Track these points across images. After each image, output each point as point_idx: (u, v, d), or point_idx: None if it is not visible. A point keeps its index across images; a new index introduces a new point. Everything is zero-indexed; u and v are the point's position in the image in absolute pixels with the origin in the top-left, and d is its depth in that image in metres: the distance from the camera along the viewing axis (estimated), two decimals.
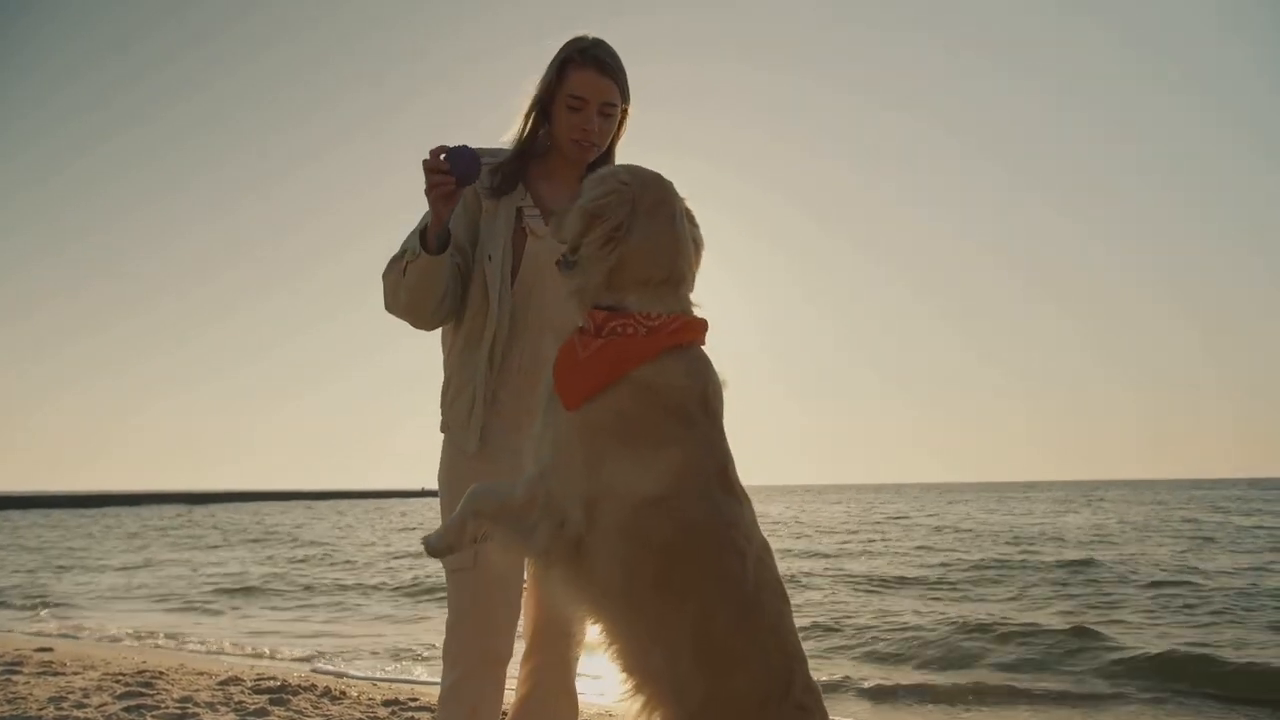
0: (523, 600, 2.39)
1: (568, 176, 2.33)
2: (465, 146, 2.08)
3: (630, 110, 2.33)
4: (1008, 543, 19.02)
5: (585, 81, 2.21)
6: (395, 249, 2.25)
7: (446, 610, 2.36)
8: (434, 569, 14.49)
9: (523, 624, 2.42)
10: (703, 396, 1.77)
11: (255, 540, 25.76)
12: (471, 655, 2.30)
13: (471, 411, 2.27)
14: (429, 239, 2.14)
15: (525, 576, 2.37)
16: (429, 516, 39.08)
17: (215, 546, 23.61)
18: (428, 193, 2.09)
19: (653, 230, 1.81)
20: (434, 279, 2.16)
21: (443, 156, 2.06)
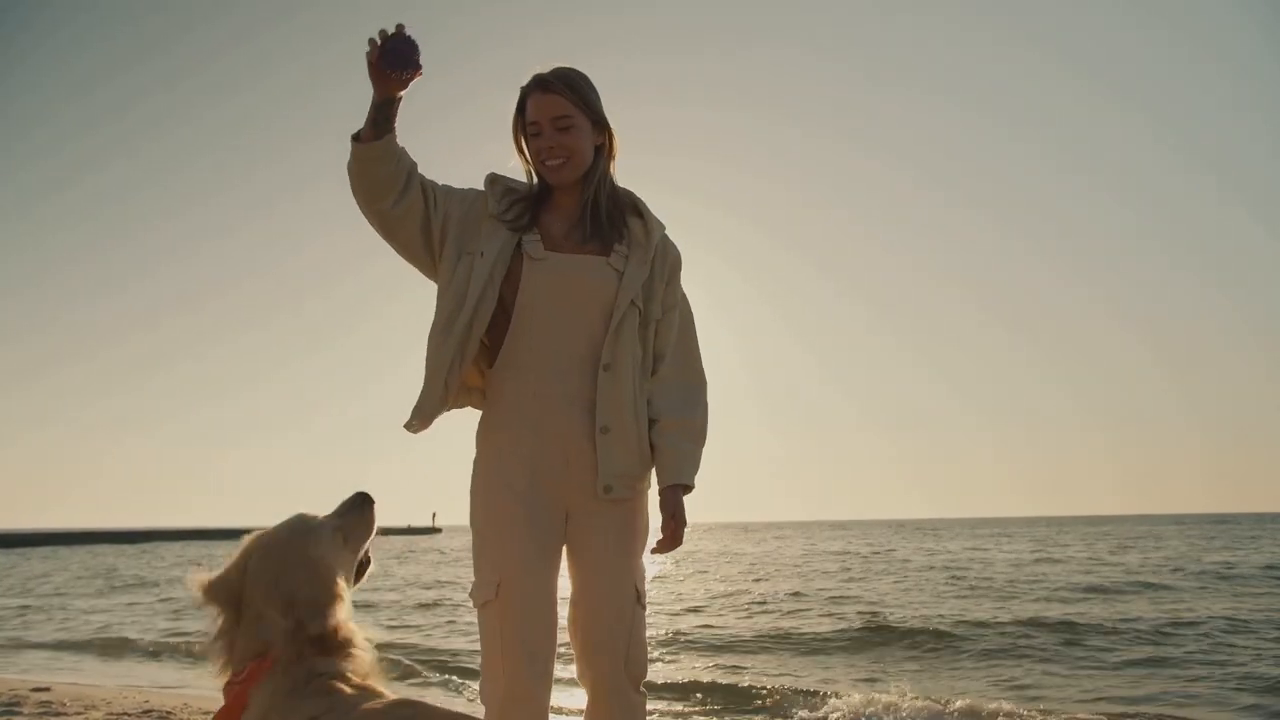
0: (571, 621, 2.25)
1: (564, 202, 2.32)
2: (404, 34, 2.04)
3: (609, 128, 2.31)
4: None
5: (533, 105, 2.23)
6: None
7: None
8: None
9: (571, 648, 2.26)
10: None
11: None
12: (499, 693, 2.12)
13: (434, 389, 2.22)
14: (364, 126, 2.14)
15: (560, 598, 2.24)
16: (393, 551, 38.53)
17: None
18: (371, 74, 2.09)
19: None
20: (374, 163, 2.14)
21: (379, 39, 2.04)
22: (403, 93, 2.11)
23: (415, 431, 2.26)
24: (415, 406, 2.24)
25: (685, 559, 27.93)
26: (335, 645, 1.86)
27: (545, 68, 2.26)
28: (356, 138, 2.15)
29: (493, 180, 2.35)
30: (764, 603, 14.65)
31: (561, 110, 2.22)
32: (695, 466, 2.29)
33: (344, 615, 1.90)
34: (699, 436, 2.32)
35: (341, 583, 1.94)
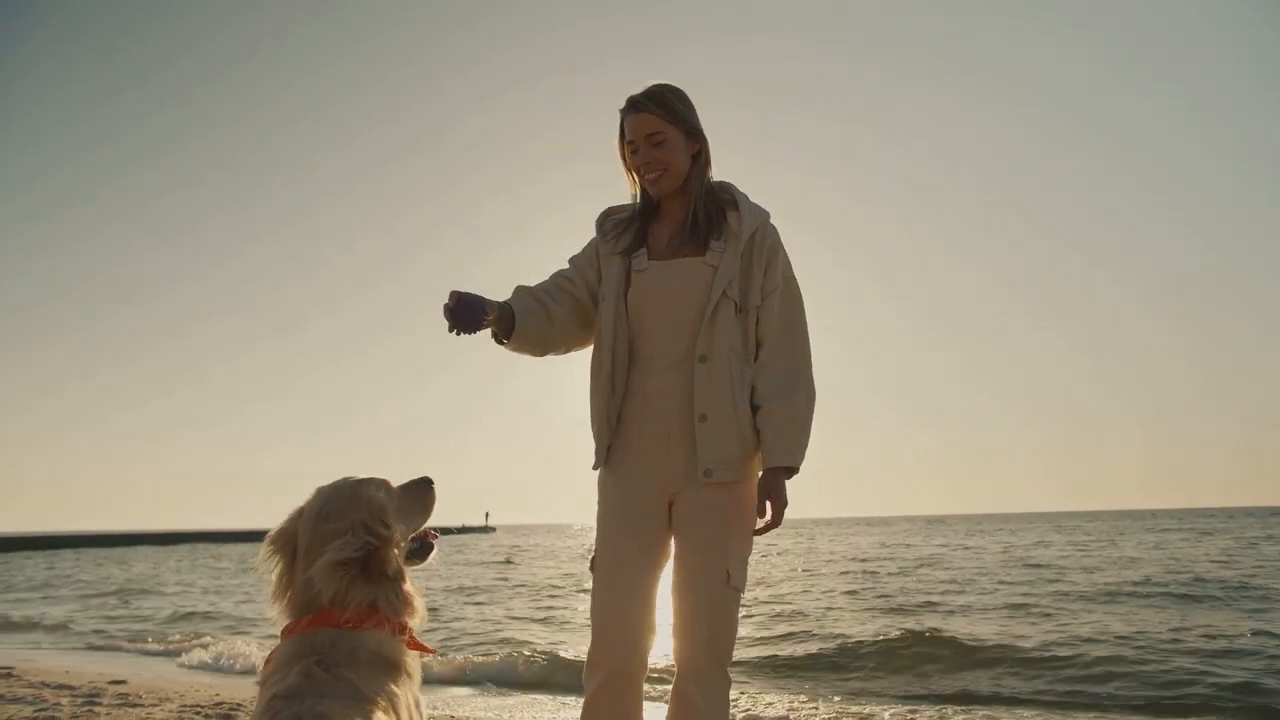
0: (674, 591, 2.32)
1: (671, 210, 2.47)
2: (464, 298, 2.19)
3: (704, 136, 2.42)
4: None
5: (628, 126, 2.39)
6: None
7: None
8: None
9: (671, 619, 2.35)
10: None
11: None
12: (596, 664, 2.31)
13: (600, 431, 2.43)
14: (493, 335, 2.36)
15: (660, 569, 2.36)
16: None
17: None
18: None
19: None
20: (522, 348, 2.39)
21: (446, 307, 2.20)
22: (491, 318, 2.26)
23: (598, 469, 2.46)
24: (595, 450, 2.46)
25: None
26: (384, 575, 1.80)
27: (639, 88, 2.40)
28: (499, 340, 2.37)
29: (602, 219, 2.54)
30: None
31: (653, 127, 2.36)
32: (796, 449, 2.34)
33: (395, 552, 1.84)
34: (800, 419, 2.37)
35: (394, 523, 1.87)
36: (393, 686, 1.69)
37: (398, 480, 2.00)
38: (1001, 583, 15.72)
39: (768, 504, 2.30)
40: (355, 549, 1.76)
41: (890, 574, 18.86)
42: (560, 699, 6.90)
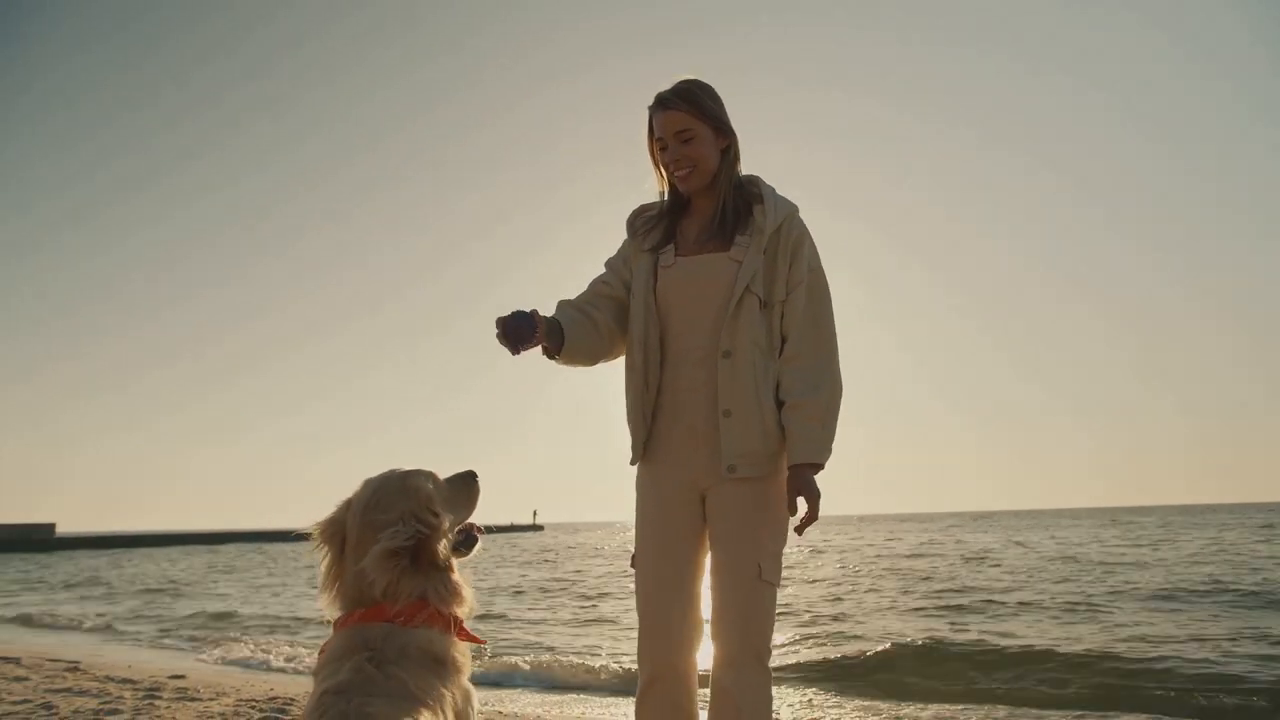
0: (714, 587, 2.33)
1: (701, 206, 2.46)
2: (517, 312, 2.20)
3: (732, 131, 2.40)
4: None
5: (657, 123, 2.37)
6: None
7: None
8: None
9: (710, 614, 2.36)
10: None
11: None
12: (643, 661, 2.34)
13: (636, 427, 2.43)
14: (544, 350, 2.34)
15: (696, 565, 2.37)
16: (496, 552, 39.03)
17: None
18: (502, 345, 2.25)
19: None
20: (573, 360, 2.38)
21: (498, 328, 2.19)
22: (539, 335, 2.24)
23: (635, 464, 2.46)
24: (631, 446, 2.45)
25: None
26: (434, 565, 1.80)
27: (668, 84, 2.37)
28: (550, 355, 2.34)
29: (633, 218, 2.54)
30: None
31: (681, 124, 2.34)
32: (821, 445, 2.30)
33: (445, 541, 1.84)
34: (825, 415, 2.32)
35: (443, 512, 1.87)
36: (441, 687, 1.68)
37: (443, 474, 2.00)
38: (1062, 580, 15.42)
39: (800, 500, 2.27)
40: (406, 537, 1.76)
41: (943, 571, 18.61)
42: (608, 699, 6.89)
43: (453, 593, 1.82)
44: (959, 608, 11.71)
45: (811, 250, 2.39)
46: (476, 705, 1.80)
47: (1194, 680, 6.70)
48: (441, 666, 1.72)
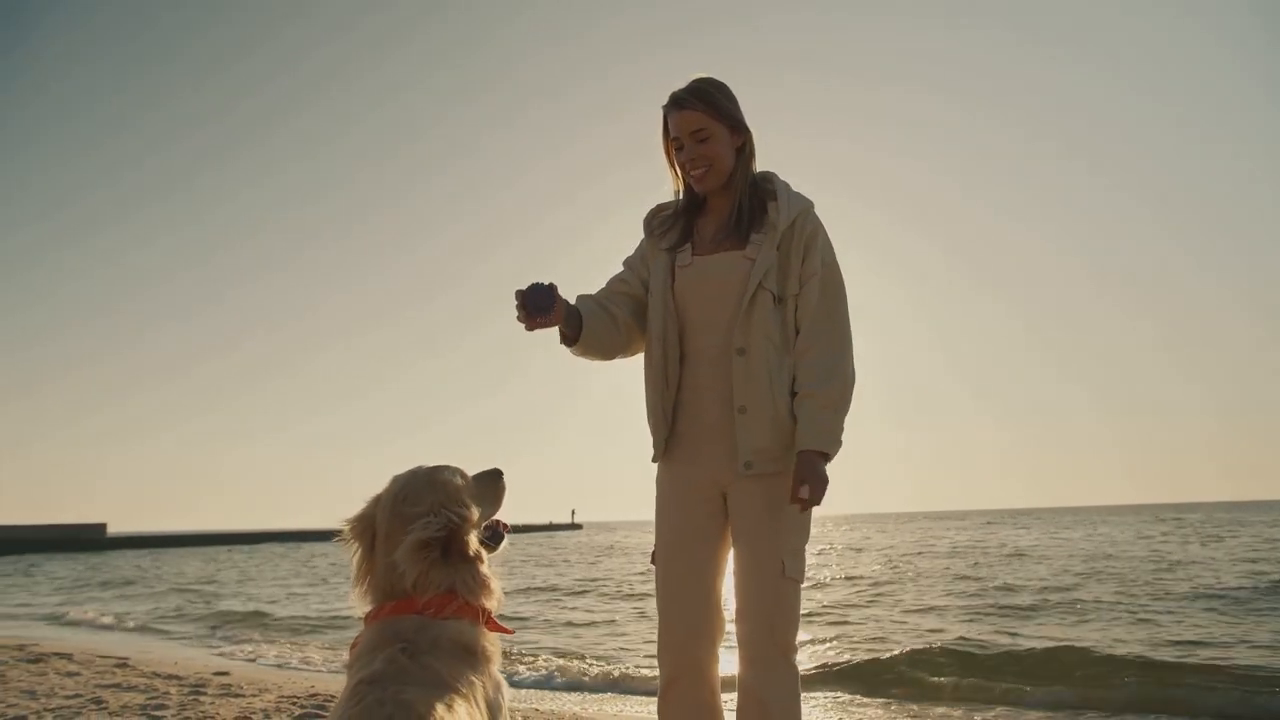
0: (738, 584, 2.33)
1: (717, 205, 2.44)
2: (536, 284, 2.20)
3: (748, 129, 2.39)
4: None
5: (672, 123, 2.35)
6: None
7: None
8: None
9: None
10: None
11: None
12: (664, 660, 2.34)
13: (656, 425, 2.43)
14: (561, 335, 2.35)
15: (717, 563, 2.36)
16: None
17: None
18: (519, 321, 2.22)
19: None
20: (589, 350, 2.39)
21: (517, 299, 2.18)
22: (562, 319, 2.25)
23: (657, 460, 2.46)
24: (652, 444, 2.44)
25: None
26: (463, 556, 1.81)
27: (682, 82, 2.35)
28: (566, 342, 2.35)
29: (650, 218, 2.53)
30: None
31: (697, 124, 2.32)
32: (830, 434, 2.26)
33: (474, 533, 1.86)
34: (836, 403, 2.29)
35: (471, 506, 1.89)
36: (473, 676, 1.70)
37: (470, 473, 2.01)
38: (1113, 576, 15.16)
39: (805, 486, 2.20)
40: (438, 528, 1.78)
41: (984, 569, 18.38)
42: (641, 699, 6.87)
43: (481, 585, 1.83)
44: (1003, 607, 11.55)
45: (826, 245, 2.37)
46: (508, 694, 1.82)
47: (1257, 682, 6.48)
48: (473, 656, 1.73)
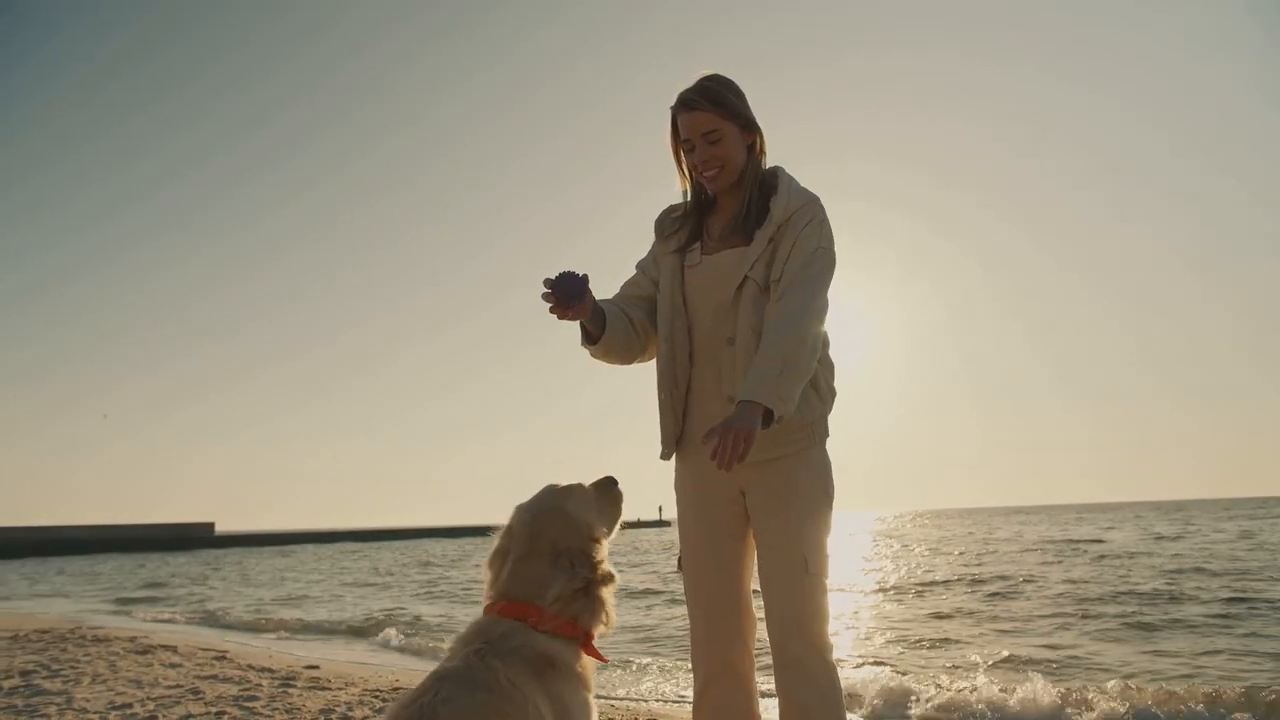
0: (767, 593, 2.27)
1: (727, 204, 2.37)
2: (568, 272, 2.14)
3: (758, 127, 2.31)
4: None
5: (682, 124, 2.27)
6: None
7: None
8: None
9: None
10: None
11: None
12: (697, 664, 2.31)
13: (667, 423, 2.37)
14: (584, 333, 2.29)
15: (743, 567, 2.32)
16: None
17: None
18: (550, 311, 2.15)
19: None
20: (610, 353, 2.33)
21: (546, 285, 2.12)
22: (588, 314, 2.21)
23: (670, 459, 2.41)
24: (661, 439, 2.39)
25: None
26: (596, 595, 1.84)
27: (689, 82, 2.27)
28: (587, 341, 2.31)
29: (660, 220, 2.46)
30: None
31: (708, 125, 2.24)
32: (771, 387, 2.02)
33: (603, 568, 1.89)
34: (786, 359, 2.06)
35: (600, 539, 1.92)
36: (540, 689, 1.67)
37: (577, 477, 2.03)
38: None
39: (714, 434, 1.97)
40: (583, 580, 1.82)
41: (1079, 571, 17.68)
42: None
43: (598, 610, 1.84)
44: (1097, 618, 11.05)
45: (825, 234, 2.24)
46: (596, 716, 1.79)
47: None
48: (552, 670, 1.71)
